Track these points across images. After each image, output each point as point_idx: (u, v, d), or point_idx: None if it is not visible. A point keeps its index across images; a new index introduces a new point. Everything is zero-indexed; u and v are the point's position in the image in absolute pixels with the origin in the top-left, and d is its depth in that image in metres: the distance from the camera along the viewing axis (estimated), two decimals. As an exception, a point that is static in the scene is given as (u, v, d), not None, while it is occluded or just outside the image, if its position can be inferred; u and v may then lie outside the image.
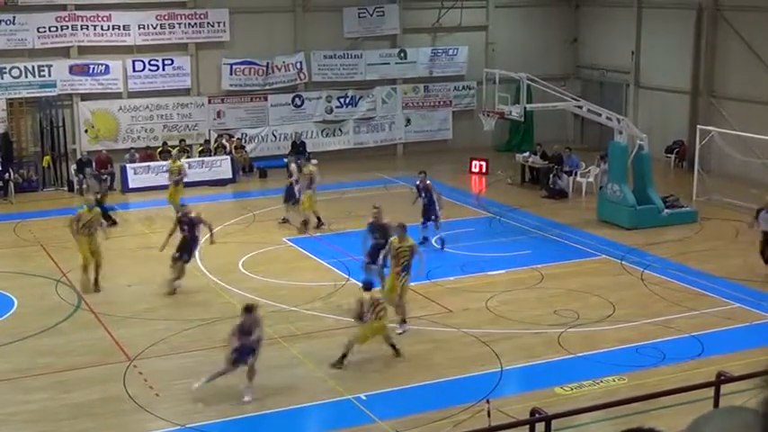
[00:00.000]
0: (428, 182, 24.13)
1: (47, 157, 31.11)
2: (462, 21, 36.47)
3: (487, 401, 13.41)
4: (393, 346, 16.76)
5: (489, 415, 12.80)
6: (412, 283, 18.89)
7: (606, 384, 15.67)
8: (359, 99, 35.49)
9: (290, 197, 25.98)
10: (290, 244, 24.36)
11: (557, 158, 30.75)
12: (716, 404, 11.31)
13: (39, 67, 30.95)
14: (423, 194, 24.00)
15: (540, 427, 10.35)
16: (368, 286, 16.78)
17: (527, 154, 32.11)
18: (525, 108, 26.37)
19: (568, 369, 16.36)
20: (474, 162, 33.01)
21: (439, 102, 36.75)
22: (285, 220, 26.09)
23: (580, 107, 27.14)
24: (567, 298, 20.06)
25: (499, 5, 37.27)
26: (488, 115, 27.46)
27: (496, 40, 37.10)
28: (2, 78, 30.55)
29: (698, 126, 29.49)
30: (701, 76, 32.81)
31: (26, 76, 30.85)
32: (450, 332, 18.12)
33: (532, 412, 10.68)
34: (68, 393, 15.65)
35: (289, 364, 16.71)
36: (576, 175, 30.18)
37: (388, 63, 35.80)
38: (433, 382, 15.94)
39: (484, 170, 32.72)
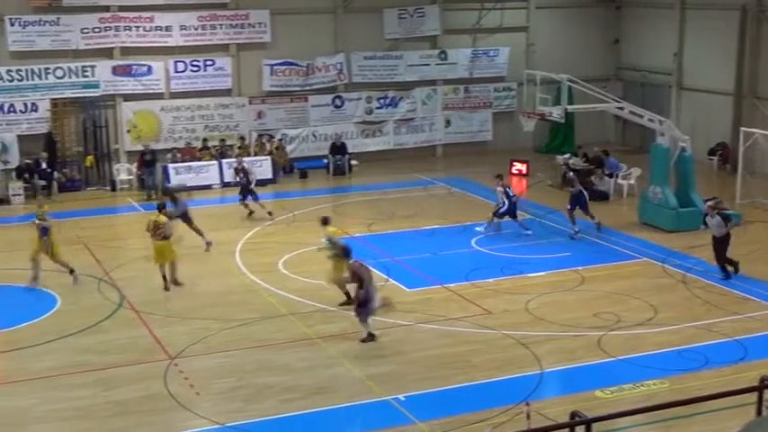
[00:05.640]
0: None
1: (90, 157, 31.44)
2: (503, 22, 36.39)
3: (527, 404, 13.37)
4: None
5: (528, 417, 12.75)
6: (453, 285, 19.79)
7: (647, 388, 15.55)
8: (399, 100, 35.51)
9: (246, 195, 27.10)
10: (330, 244, 24.38)
11: (597, 160, 30.58)
12: (759, 409, 11.17)
13: (82, 67, 31.29)
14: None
15: (580, 430, 10.29)
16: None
17: (567, 156, 31.95)
18: (566, 109, 26.23)
19: (609, 372, 16.24)
20: (514, 164, 32.89)
21: (479, 103, 36.66)
22: (251, 213, 27.12)
23: (621, 109, 26.94)
24: (607, 301, 19.93)
25: (540, 6, 37.12)
26: (529, 117, 27.36)
27: (537, 41, 36.95)
28: (46, 79, 30.92)
29: (741, 128, 29.20)
30: (744, 78, 32.46)
31: (70, 77, 31.19)
32: (489, 334, 18.08)
33: (572, 415, 10.62)
34: (110, 391, 15.79)
35: (327, 365, 16.74)
36: (617, 177, 29.99)
37: (429, 64, 35.78)
38: (471, 383, 15.90)
39: (524, 172, 32.58)
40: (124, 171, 31.79)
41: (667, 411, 12.47)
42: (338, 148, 33.83)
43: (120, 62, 31.85)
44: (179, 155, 31.77)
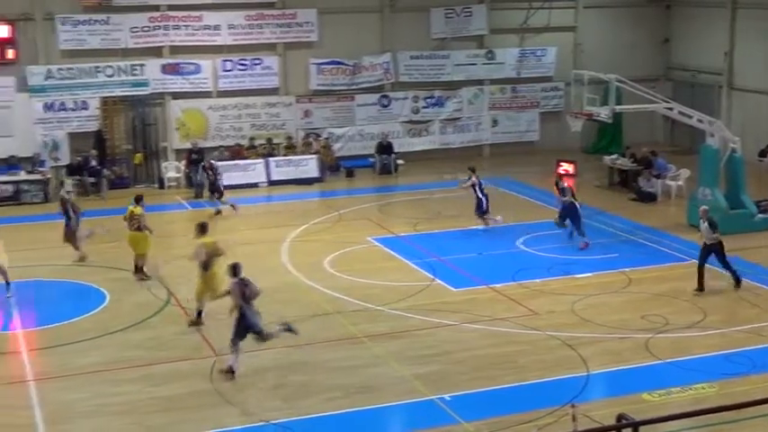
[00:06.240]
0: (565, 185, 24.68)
1: (138, 155, 31.73)
2: (550, 21, 36.17)
3: (572, 405, 13.26)
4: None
5: (574, 419, 12.64)
6: (498, 285, 19.99)
7: (696, 392, 15.36)
8: (445, 100, 35.45)
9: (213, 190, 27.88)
10: (376, 243, 24.42)
11: (645, 161, 30.30)
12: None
13: (132, 66, 31.61)
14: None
15: (626, 432, 10.20)
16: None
17: (615, 156, 31.72)
18: (614, 110, 26.01)
19: (656, 375, 16.08)
20: (561, 164, 32.66)
21: (526, 103, 36.49)
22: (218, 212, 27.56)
23: (671, 109, 26.66)
24: (655, 303, 19.73)
25: (588, 6, 36.86)
26: (576, 117, 27.18)
27: (585, 41, 36.69)
28: (96, 77, 31.28)
29: (793, 129, 28.80)
30: (796, 78, 32.02)
31: (119, 76, 31.53)
32: (535, 334, 17.98)
33: (619, 418, 10.54)
34: (156, 387, 15.92)
35: (372, 363, 16.75)
36: (665, 178, 29.67)
37: (475, 64, 35.68)
38: (517, 384, 15.83)
39: (571, 172, 32.35)
40: (172, 169, 32.05)
41: (715, 416, 12.31)
42: (384, 148, 33.86)
43: (169, 61, 32.14)
44: (226, 153, 31.98)
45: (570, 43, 36.75)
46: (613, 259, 22.76)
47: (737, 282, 20.47)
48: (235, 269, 16.39)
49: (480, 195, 25.24)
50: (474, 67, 35.66)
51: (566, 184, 24.63)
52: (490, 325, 18.53)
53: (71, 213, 23.11)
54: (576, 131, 28.52)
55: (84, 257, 22.95)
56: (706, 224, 20.37)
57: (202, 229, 18.93)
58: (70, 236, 23.04)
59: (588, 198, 28.62)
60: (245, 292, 16.14)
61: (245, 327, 16.14)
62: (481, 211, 25.26)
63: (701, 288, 20.22)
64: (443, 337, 18.00)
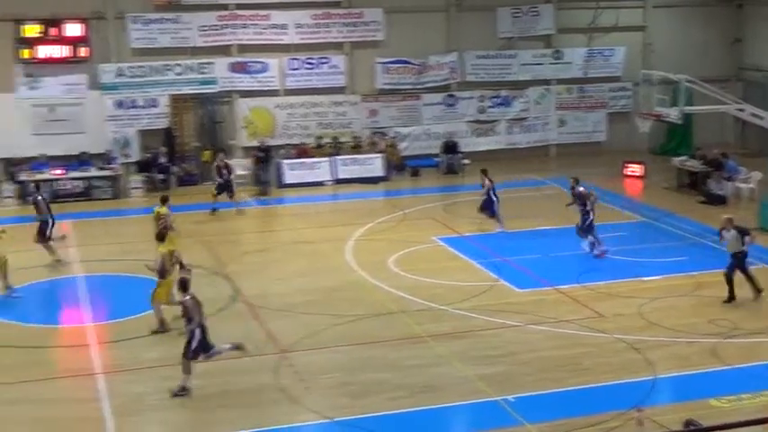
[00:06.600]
0: (581, 189, 23.65)
1: (207, 152, 32.05)
2: (619, 21, 35.78)
3: (639, 410, 13.11)
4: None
5: (641, 423, 12.50)
6: (564, 287, 19.59)
7: (767, 398, 15.07)
8: (512, 99, 35.28)
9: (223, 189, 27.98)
10: (440, 243, 24.39)
11: (716, 163, 29.81)
12: None
13: (200, 64, 31.99)
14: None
15: (694, 438, 10.06)
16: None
17: (684, 158, 31.26)
18: (684, 110, 25.64)
19: (725, 380, 15.81)
20: (628, 165, 32.27)
21: (594, 103, 36.15)
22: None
23: (742, 110, 26.22)
24: (724, 307, 19.39)
25: (657, 5, 36.43)
26: (645, 117, 26.86)
27: (654, 41, 36.23)
28: (166, 75, 31.70)
29: None
30: None
31: (188, 74, 31.91)
32: (601, 337, 17.80)
33: (686, 423, 10.40)
34: (223, 382, 16.04)
35: (436, 363, 16.72)
36: (735, 180, 29.16)
37: (542, 63, 35.47)
38: (582, 386, 15.69)
39: (639, 174, 31.95)
40: (239, 166, 32.25)
41: (787, 423, 12.07)
42: (450, 147, 33.80)
43: (237, 59, 32.46)
44: (292, 151, 32.21)
45: (639, 43, 36.33)
46: (682, 262, 22.43)
47: (730, 298, 19.63)
48: (184, 284, 15.96)
49: (493, 197, 25.18)
50: (541, 67, 35.45)
51: (581, 189, 23.72)
52: (555, 327, 18.40)
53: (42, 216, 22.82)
54: (644, 132, 28.18)
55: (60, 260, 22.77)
56: (733, 232, 19.70)
57: (161, 237, 18.84)
58: (40, 237, 22.75)
59: (656, 200, 28.31)
60: (199, 311, 15.85)
61: (201, 344, 15.81)
62: (492, 211, 25.20)
63: (759, 291, 19.72)
64: (508, 338, 17.92)
